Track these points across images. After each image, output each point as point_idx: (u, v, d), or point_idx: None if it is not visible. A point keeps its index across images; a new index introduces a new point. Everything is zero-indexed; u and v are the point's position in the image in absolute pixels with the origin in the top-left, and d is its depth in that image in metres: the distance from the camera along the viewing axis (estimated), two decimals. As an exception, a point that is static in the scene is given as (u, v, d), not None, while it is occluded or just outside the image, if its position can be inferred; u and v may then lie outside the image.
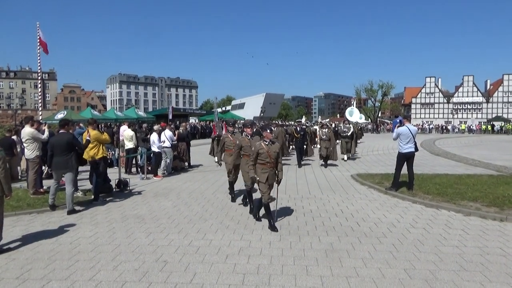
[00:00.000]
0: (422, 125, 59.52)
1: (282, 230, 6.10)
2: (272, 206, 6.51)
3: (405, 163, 8.88)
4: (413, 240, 5.57)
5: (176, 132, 13.60)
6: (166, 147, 12.16)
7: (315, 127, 21.64)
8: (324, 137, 14.34)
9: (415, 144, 8.90)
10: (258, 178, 6.15)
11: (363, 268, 4.52)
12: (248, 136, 7.43)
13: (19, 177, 11.23)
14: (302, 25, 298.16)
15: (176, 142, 12.93)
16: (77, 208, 7.52)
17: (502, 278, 4.21)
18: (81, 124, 12.29)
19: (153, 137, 11.92)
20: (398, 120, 9.97)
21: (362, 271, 4.43)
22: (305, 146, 15.39)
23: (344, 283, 4.12)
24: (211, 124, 25.25)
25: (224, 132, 14.30)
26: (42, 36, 15.34)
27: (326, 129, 14.73)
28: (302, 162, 14.87)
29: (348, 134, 16.12)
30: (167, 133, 12.38)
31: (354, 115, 18.38)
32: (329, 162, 14.52)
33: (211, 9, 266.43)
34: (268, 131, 6.59)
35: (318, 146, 16.62)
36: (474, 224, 6.40)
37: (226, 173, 8.42)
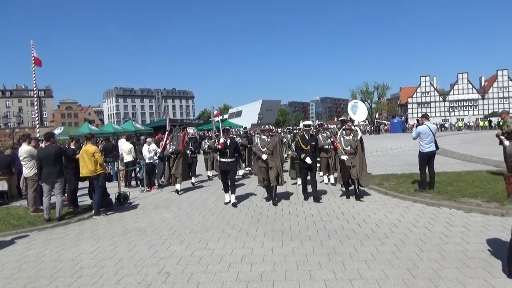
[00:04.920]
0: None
1: (284, 235, 6.10)
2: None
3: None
4: (415, 239, 5.57)
5: (161, 144, 12.74)
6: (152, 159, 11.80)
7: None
8: (347, 149, 8.74)
9: (436, 142, 8.76)
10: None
11: (366, 270, 4.52)
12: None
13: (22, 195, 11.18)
14: (295, 28, 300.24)
15: (161, 154, 11.83)
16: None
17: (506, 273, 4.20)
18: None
19: (144, 149, 11.79)
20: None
21: (366, 273, 4.43)
22: (318, 165, 9.78)
23: (348, 286, 4.11)
24: (160, 135, 14.84)
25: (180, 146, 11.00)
26: (36, 54, 15.36)
27: (350, 136, 8.91)
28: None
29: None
30: (152, 146, 11.82)
31: (359, 112, 11.19)
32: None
33: (203, 15, 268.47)
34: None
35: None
36: (475, 220, 6.40)
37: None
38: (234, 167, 8.96)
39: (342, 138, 9.00)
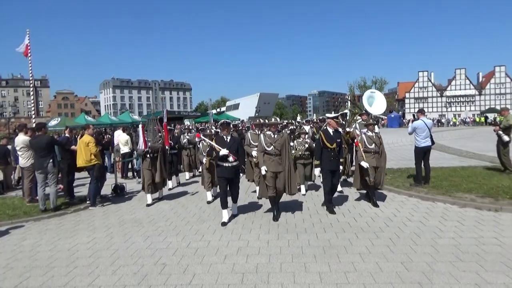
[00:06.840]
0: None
1: (279, 228, 6.14)
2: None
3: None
4: (409, 233, 5.62)
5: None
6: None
7: (305, 127, 11.10)
8: (371, 147, 7.47)
9: (431, 137, 8.76)
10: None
11: (360, 262, 4.56)
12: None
13: (14, 186, 11.15)
14: (294, 23, 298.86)
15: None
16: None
17: (498, 267, 4.26)
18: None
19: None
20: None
21: (360, 265, 4.47)
22: (341, 167, 7.66)
23: (342, 278, 4.15)
24: (137, 130, 11.40)
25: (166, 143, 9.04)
26: (29, 43, 15.21)
27: (373, 133, 7.65)
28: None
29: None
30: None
31: (376, 103, 9.70)
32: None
33: (202, 8, 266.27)
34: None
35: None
36: (469, 215, 6.47)
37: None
38: (237, 173, 6.77)
39: (364, 135, 7.60)
